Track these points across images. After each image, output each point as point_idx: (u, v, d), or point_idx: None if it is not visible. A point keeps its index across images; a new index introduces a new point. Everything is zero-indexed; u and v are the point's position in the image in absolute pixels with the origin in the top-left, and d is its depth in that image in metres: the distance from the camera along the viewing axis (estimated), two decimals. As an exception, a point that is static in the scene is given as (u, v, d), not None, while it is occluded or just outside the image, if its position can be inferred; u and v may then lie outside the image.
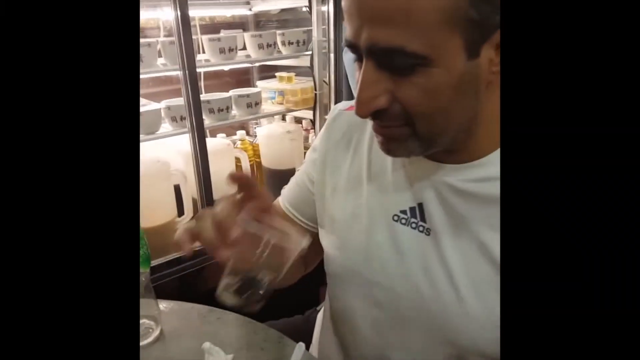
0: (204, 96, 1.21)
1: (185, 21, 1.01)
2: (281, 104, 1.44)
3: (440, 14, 0.40)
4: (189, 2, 1.00)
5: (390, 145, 0.50)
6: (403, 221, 0.56)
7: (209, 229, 0.45)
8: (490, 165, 0.51)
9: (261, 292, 0.46)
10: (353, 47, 0.46)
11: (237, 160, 1.34)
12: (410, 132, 0.47)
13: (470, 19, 0.41)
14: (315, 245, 0.70)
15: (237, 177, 0.49)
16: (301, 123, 1.60)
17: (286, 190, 0.73)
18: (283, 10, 1.56)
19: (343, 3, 0.45)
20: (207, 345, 0.59)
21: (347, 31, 0.46)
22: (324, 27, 1.31)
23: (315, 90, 1.39)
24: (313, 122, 1.48)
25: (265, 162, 1.46)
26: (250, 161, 1.39)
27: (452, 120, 0.47)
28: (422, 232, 0.54)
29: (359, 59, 0.47)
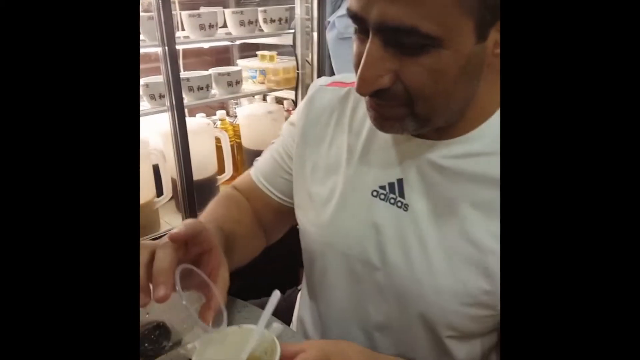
0: (183, 74, 1.18)
1: (164, -5, 0.98)
2: (262, 83, 1.42)
3: None
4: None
5: (385, 122, 0.49)
6: (382, 197, 0.56)
7: (141, 268, 0.42)
8: (473, 142, 0.51)
9: (164, 347, 0.44)
10: (358, 19, 0.43)
11: (217, 140, 1.32)
12: (408, 112, 0.46)
13: (483, 0, 0.40)
14: (280, 219, 0.70)
15: (178, 237, 0.45)
16: (282, 104, 1.58)
17: (260, 163, 0.72)
18: (265, -13, 1.52)
19: None
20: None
21: (352, 1, 0.43)
22: (307, 4, 1.28)
23: (298, 69, 1.37)
24: (295, 102, 1.46)
25: (246, 142, 1.44)
26: (230, 142, 1.37)
27: (452, 102, 0.47)
28: (400, 207, 0.54)
29: (362, 32, 0.45)
